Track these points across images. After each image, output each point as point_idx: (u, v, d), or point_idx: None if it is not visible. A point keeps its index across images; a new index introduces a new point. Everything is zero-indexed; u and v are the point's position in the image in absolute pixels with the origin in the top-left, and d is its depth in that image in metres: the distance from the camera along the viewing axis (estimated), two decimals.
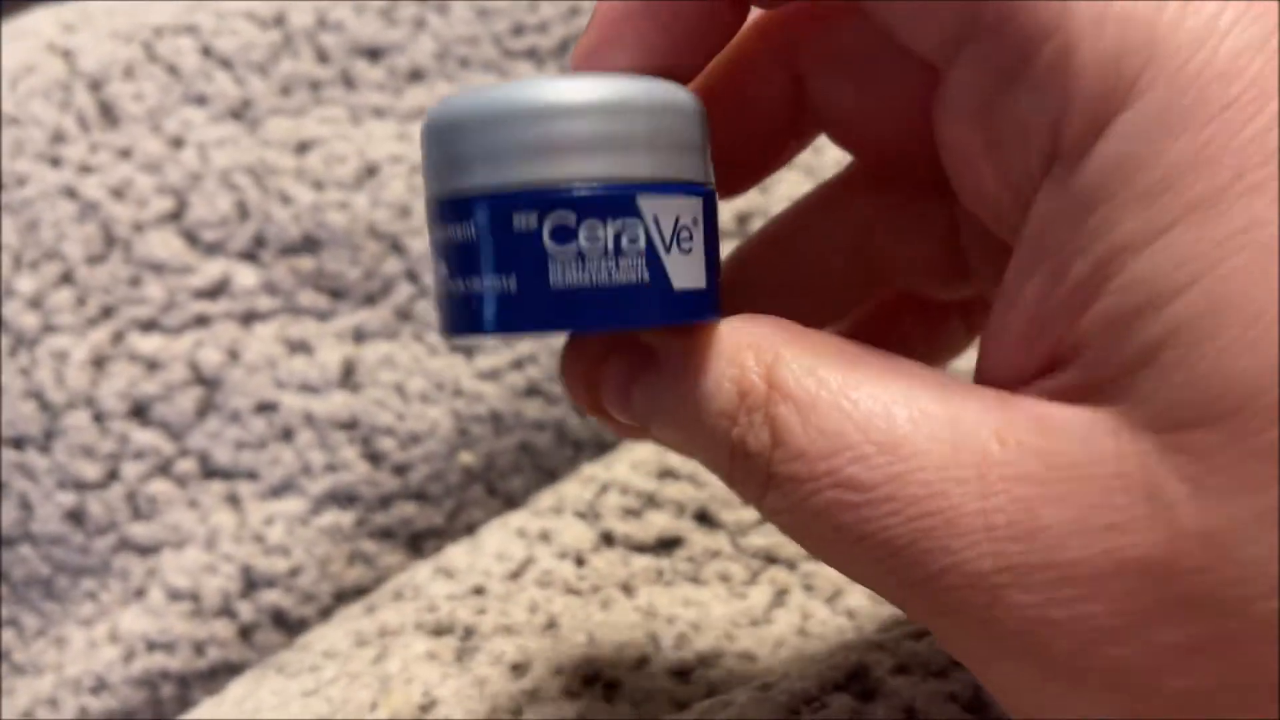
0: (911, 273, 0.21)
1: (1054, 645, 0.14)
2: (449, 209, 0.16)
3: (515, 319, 0.16)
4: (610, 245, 0.15)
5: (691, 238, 0.16)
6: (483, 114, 0.16)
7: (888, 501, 0.15)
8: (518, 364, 0.35)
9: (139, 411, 0.33)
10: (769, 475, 0.16)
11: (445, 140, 0.16)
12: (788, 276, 0.21)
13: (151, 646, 0.32)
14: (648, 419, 0.17)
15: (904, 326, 0.22)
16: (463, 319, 0.16)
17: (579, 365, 0.18)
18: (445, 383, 0.34)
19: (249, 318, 0.34)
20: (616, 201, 0.15)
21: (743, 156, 0.20)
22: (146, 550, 0.33)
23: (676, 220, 0.16)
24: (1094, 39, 0.14)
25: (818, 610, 0.26)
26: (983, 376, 0.16)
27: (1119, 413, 0.14)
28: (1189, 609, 0.13)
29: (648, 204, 0.16)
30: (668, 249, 0.16)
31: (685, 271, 0.16)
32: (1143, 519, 0.14)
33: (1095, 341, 0.14)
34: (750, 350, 0.16)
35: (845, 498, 0.15)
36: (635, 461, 0.31)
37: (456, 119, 0.16)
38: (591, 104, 0.16)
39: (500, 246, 0.16)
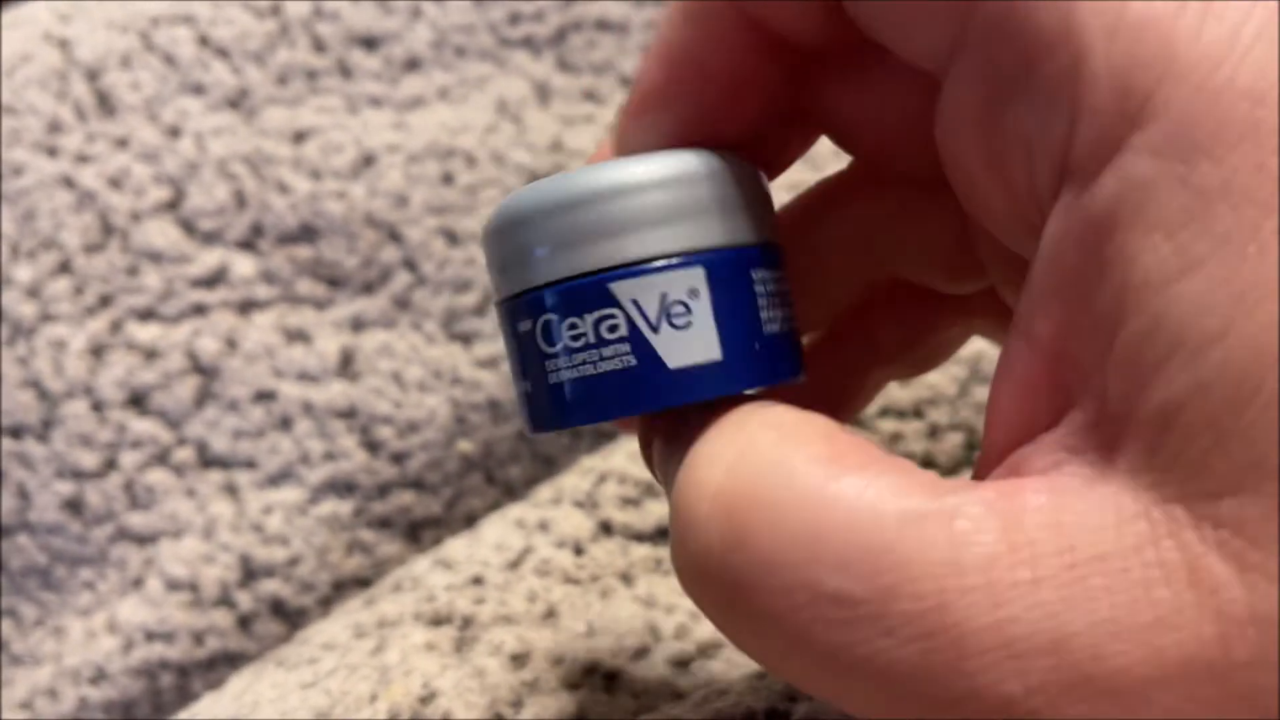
0: (916, 268, 0.20)
1: None
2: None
3: (541, 419, 0.16)
4: (592, 337, 0.15)
5: (689, 311, 0.15)
6: (494, 224, 0.16)
7: (880, 619, 0.12)
8: None
9: (137, 400, 0.33)
10: (722, 587, 0.14)
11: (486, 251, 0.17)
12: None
13: (150, 636, 0.32)
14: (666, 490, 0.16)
15: (894, 319, 0.21)
16: (523, 419, 0.17)
17: (648, 433, 0.17)
18: (443, 371, 0.34)
19: (247, 307, 0.34)
20: (587, 293, 0.15)
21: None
22: (144, 540, 0.33)
23: (663, 297, 0.15)
24: (1106, 49, 0.12)
25: None
26: (994, 422, 0.14)
27: (1147, 484, 0.12)
28: (1248, 705, 0.12)
29: (622, 289, 0.15)
30: (655, 329, 0.15)
31: (685, 348, 0.15)
32: (1189, 610, 0.12)
33: (1116, 387, 0.12)
34: (715, 441, 0.14)
35: (829, 614, 0.13)
36: (633, 451, 0.31)
37: (486, 231, 0.17)
38: (558, 203, 0.15)
39: (517, 351, 0.16)
